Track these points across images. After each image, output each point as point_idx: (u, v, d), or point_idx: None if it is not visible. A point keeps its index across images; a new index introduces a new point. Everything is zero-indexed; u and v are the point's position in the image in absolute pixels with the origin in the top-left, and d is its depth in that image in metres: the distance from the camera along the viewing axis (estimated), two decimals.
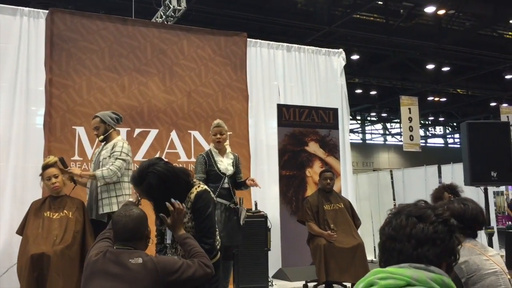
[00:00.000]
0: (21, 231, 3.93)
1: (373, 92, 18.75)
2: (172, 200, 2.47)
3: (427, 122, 26.54)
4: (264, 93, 6.70)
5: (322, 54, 7.29)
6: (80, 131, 5.31)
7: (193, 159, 5.75)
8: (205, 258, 2.35)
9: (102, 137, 4.23)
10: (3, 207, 4.98)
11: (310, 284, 5.43)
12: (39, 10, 5.61)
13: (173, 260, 2.27)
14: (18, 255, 3.78)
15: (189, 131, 5.85)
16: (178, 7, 7.46)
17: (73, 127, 5.28)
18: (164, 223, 2.52)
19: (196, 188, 2.59)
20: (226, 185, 4.39)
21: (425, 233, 1.28)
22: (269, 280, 5.15)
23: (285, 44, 7.13)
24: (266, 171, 6.41)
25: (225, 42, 6.19)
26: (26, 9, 5.58)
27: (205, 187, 2.68)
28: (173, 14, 7.57)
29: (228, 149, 4.61)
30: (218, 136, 4.47)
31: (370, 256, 7.43)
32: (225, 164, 4.48)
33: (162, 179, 2.43)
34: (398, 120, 21.48)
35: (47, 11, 5.42)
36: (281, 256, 5.89)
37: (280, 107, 6.39)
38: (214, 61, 6.08)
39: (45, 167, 4.06)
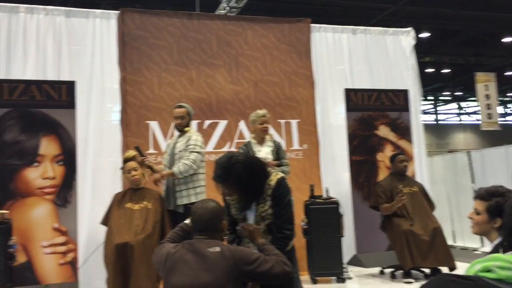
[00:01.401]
0: (105, 221, 4.17)
1: (445, 71, 17.89)
2: (240, 224, 2.55)
3: (506, 99, 24.97)
4: (331, 78, 6.59)
5: (389, 34, 7.05)
6: (154, 125, 5.52)
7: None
8: (284, 257, 2.35)
9: (187, 128, 4.43)
10: (85, 200, 5.27)
11: (387, 270, 5.34)
12: (109, 11, 5.84)
13: (250, 252, 2.30)
14: (104, 244, 4.01)
15: None
16: None
17: (147, 121, 5.50)
18: (243, 235, 2.58)
19: (275, 175, 2.62)
20: None
21: None
22: (344, 266, 5.12)
23: (350, 27, 6.96)
24: (336, 157, 6.33)
25: (289, 29, 6.16)
26: (98, 11, 5.83)
27: (283, 174, 2.71)
28: (236, 5, 7.64)
29: (268, 137, 4.65)
30: (265, 125, 4.56)
31: (449, 241, 7.16)
32: (263, 153, 4.52)
33: (248, 167, 2.47)
34: (474, 98, 20.40)
35: (118, 12, 5.65)
36: (355, 243, 5.82)
37: (348, 92, 6.27)
38: (279, 49, 6.08)
39: (125, 160, 4.28)
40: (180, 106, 4.48)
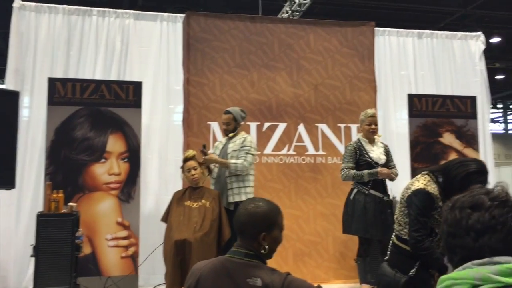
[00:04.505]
0: (165, 218, 4.30)
1: None
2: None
3: None
4: (394, 83, 6.45)
5: (457, 39, 6.80)
6: (215, 126, 5.62)
7: (320, 152, 5.77)
8: None
9: (232, 134, 4.49)
10: (149, 196, 5.46)
11: None
12: (176, 14, 6.02)
13: (309, 284, 1.78)
14: (164, 240, 4.14)
15: (316, 124, 5.87)
16: (303, 1, 7.52)
17: (208, 122, 5.61)
18: None
19: None
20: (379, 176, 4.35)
21: (482, 222, 1.20)
22: None
23: (415, 31, 6.78)
24: (397, 164, 6.14)
25: (352, 33, 6.08)
26: (166, 14, 6.03)
27: None
28: (298, 8, 7.65)
29: (377, 139, 4.57)
30: (373, 126, 4.47)
31: None
32: (377, 153, 4.45)
33: None
34: None
35: (184, 15, 5.82)
36: None
37: (411, 97, 6.11)
38: (341, 53, 6.02)
39: (185, 160, 4.39)
40: (227, 112, 4.56)
